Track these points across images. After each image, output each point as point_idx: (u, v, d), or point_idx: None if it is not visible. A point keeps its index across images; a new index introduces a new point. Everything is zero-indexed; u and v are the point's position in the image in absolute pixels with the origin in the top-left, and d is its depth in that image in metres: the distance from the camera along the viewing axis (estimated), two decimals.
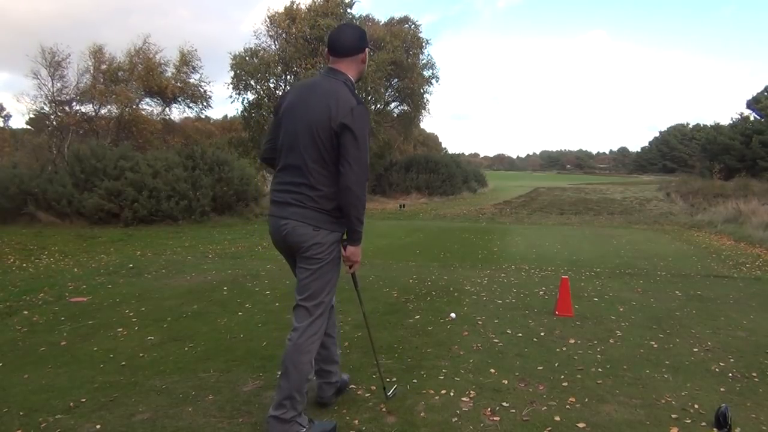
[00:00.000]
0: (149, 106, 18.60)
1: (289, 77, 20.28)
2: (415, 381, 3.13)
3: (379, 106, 24.47)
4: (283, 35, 19.79)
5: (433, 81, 26.81)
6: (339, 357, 2.80)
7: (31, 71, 15.02)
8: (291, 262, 2.60)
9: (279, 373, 2.45)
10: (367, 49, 2.58)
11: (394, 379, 3.15)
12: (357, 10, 23.55)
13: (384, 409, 2.75)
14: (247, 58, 19.25)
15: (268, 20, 19.98)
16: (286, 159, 2.45)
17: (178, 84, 18.17)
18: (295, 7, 19.97)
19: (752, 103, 44.05)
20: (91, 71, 16.56)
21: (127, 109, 16.49)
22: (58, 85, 15.53)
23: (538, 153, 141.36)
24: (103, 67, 16.92)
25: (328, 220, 2.39)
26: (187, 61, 18.43)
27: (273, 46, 20.13)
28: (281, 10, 19.97)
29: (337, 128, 2.30)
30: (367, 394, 2.94)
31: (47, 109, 15.78)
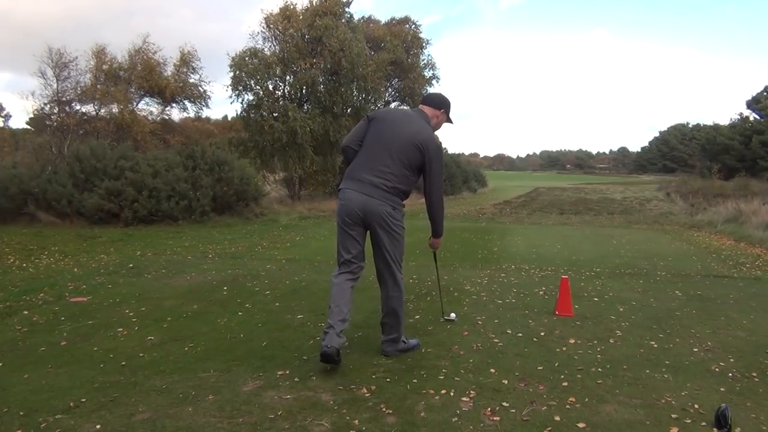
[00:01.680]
0: (148, 106, 18.61)
1: (288, 77, 20.26)
2: (415, 381, 3.12)
3: (379, 105, 24.47)
4: (280, 36, 19.76)
5: (434, 81, 26.87)
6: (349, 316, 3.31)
7: (38, 70, 15.05)
8: (350, 234, 3.30)
9: (383, 314, 3.47)
10: (444, 112, 3.55)
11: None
12: (359, 11, 23.59)
13: (384, 409, 2.75)
14: (246, 58, 19.23)
15: (263, 21, 19.97)
16: (377, 154, 3.29)
17: (178, 84, 18.17)
18: (290, 7, 19.95)
19: (752, 103, 44.05)
20: (93, 71, 16.58)
21: (124, 110, 16.47)
22: (63, 85, 15.56)
23: (538, 153, 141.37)
24: (105, 67, 16.94)
25: (400, 203, 3.34)
26: (186, 62, 18.43)
27: (271, 47, 20.12)
28: (276, 10, 19.95)
29: (425, 154, 3.30)
30: (367, 394, 2.94)
31: (48, 109, 15.79)
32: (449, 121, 3.64)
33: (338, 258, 3.40)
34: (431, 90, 26.97)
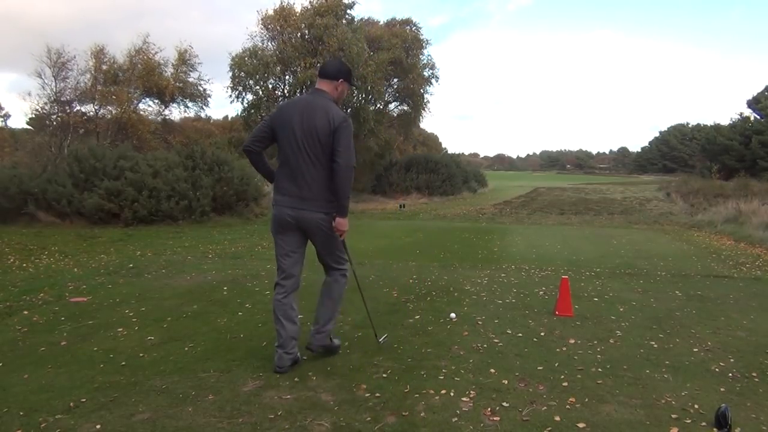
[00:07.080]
0: (148, 107, 18.64)
1: (288, 77, 20.28)
2: (415, 381, 3.12)
3: (378, 105, 24.46)
4: (278, 36, 19.79)
5: (433, 81, 26.90)
6: (298, 334, 3.33)
7: (35, 71, 15.08)
8: (289, 240, 3.27)
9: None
10: (343, 81, 3.31)
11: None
12: (365, 11, 23.64)
13: (384, 409, 2.75)
14: (246, 58, 19.24)
15: (260, 22, 20.00)
16: (293, 159, 3.18)
17: (178, 84, 18.20)
18: (287, 7, 19.96)
19: (752, 103, 44.05)
20: (92, 72, 16.60)
21: (128, 110, 16.50)
22: (61, 85, 15.58)
23: (538, 153, 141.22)
24: (104, 67, 16.95)
25: (332, 207, 3.19)
26: (185, 60, 18.46)
27: (271, 47, 20.13)
28: (271, 12, 19.99)
29: (333, 132, 3.13)
30: (366, 394, 2.94)
31: (48, 108, 15.81)
32: (352, 85, 3.50)
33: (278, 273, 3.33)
34: (431, 89, 26.89)
